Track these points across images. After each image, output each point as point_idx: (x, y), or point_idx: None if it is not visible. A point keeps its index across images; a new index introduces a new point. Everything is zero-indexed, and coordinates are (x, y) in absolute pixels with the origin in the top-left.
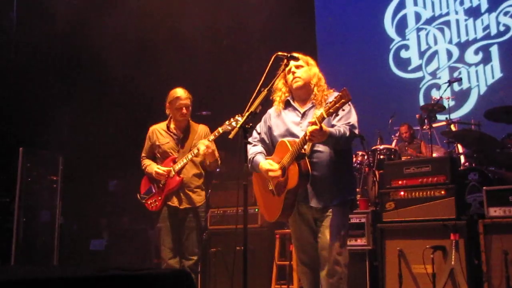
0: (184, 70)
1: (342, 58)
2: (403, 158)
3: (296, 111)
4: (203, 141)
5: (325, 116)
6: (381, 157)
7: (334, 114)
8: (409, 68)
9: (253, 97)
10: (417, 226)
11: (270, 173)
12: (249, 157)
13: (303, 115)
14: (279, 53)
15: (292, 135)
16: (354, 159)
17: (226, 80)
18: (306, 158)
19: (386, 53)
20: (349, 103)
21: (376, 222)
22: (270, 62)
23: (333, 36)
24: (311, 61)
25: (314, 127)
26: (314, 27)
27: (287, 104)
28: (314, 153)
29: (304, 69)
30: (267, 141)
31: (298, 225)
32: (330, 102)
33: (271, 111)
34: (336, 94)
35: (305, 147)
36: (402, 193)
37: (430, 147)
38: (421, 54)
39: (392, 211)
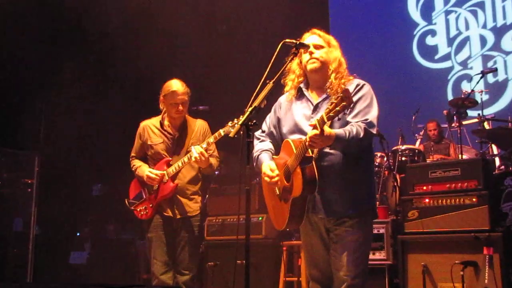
0: (178, 59)
1: (357, 46)
2: (428, 160)
3: (308, 102)
4: (197, 147)
5: (325, 120)
6: (403, 158)
7: (341, 113)
8: (436, 57)
9: (257, 90)
10: (444, 238)
11: (266, 179)
12: (254, 154)
13: (316, 107)
14: (287, 40)
15: (301, 131)
16: None
17: (226, 70)
18: (314, 162)
19: (410, 40)
20: (372, 93)
21: (397, 234)
22: (277, 51)
23: (348, 20)
24: (333, 41)
25: (314, 131)
26: (327, 9)
27: (299, 92)
28: (325, 156)
29: (324, 50)
30: (276, 136)
31: (309, 236)
32: (331, 104)
33: (282, 99)
34: (356, 81)
35: (310, 149)
36: (427, 200)
37: (460, 147)
38: (450, 41)
39: (415, 221)
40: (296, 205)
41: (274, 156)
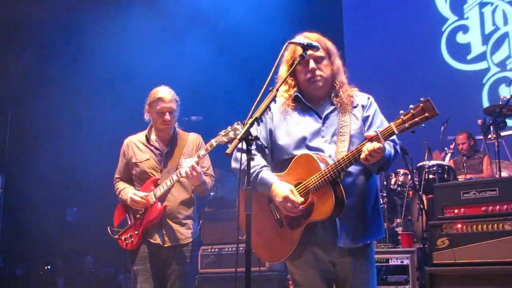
0: (168, 64)
1: (376, 45)
2: (460, 178)
3: (313, 113)
4: (188, 160)
5: (396, 131)
6: (431, 176)
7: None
8: (469, 57)
9: (258, 99)
10: (480, 271)
11: (288, 205)
12: (251, 170)
13: (325, 119)
14: (292, 41)
15: (309, 147)
16: (394, 179)
17: (221, 77)
18: (339, 182)
19: (438, 37)
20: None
21: (424, 265)
22: (281, 53)
23: (365, 16)
24: (333, 48)
25: (378, 144)
26: (340, 2)
27: (295, 102)
28: (346, 175)
29: (325, 62)
30: (267, 151)
31: (305, 268)
32: (405, 114)
33: (273, 109)
34: (363, 94)
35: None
36: (459, 225)
37: (498, 163)
38: (486, 38)
39: (446, 250)
40: (309, 231)
41: (277, 174)
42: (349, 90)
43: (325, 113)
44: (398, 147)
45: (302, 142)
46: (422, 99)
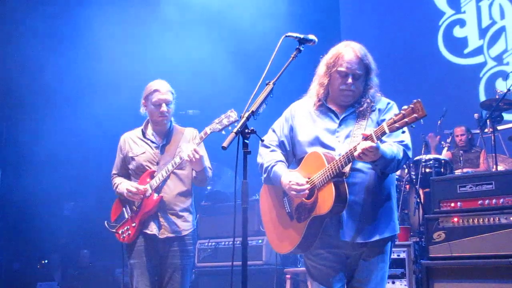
0: (164, 58)
1: (373, 39)
2: (457, 172)
3: (331, 114)
4: (189, 144)
5: (387, 131)
6: (427, 170)
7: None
8: (466, 51)
9: (254, 93)
10: (476, 264)
11: (295, 188)
12: (265, 164)
13: (342, 121)
14: (289, 34)
15: (323, 145)
16: None
17: (218, 70)
18: (344, 179)
19: (435, 31)
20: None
21: (421, 259)
22: (277, 46)
23: (363, 9)
24: (373, 65)
25: (370, 143)
26: None
27: (320, 102)
28: (356, 173)
29: (361, 80)
30: (287, 147)
31: (317, 260)
32: (397, 115)
33: (297, 107)
34: (384, 99)
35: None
36: (455, 219)
37: (494, 157)
38: (483, 32)
39: (442, 244)
40: (314, 225)
41: (289, 169)
42: (373, 99)
43: (344, 115)
44: (410, 152)
45: (316, 140)
46: (414, 100)
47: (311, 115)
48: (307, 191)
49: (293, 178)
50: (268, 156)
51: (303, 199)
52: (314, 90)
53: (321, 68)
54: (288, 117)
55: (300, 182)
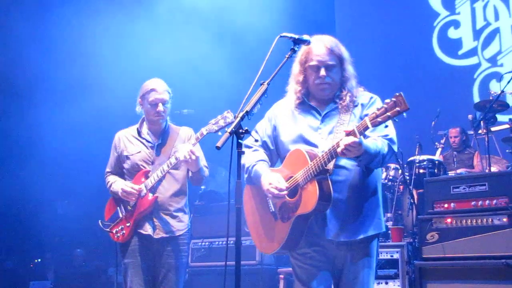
0: (159, 57)
1: (367, 40)
2: (451, 173)
3: (313, 111)
4: (185, 145)
5: (370, 126)
6: (421, 171)
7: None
8: (460, 53)
9: (249, 92)
10: (469, 265)
11: (273, 192)
12: (246, 165)
13: (324, 117)
14: (284, 34)
15: (307, 142)
16: (385, 174)
17: (213, 70)
18: (328, 176)
19: (429, 33)
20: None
21: (414, 259)
22: (272, 46)
23: (357, 10)
24: (346, 55)
25: (352, 138)
26: None
27: (300, 100)
28: (339, 170)
29: (335, 70)
30: (271, 147)
31: (303, 260)
32: (379, 109)
33: (279, 106)
34: (367, 94)
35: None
36: (448, 220)
37: (488, 158)
38: (477, 34)
39: (435, 245)
40: (299, 224)
41: (271, 168)
42: (354, 92)
43: (326, 111)
44: (395, 146)
45: (299, 138)
46: (396, 94)
47: (293, 114)
48: (285, 192)
49: (273, 180)
50: (250, 156)
51: (287, 197)
52: (292, 89)
53: (295, 67)
54: (271, 117)
55: (279, 187)
